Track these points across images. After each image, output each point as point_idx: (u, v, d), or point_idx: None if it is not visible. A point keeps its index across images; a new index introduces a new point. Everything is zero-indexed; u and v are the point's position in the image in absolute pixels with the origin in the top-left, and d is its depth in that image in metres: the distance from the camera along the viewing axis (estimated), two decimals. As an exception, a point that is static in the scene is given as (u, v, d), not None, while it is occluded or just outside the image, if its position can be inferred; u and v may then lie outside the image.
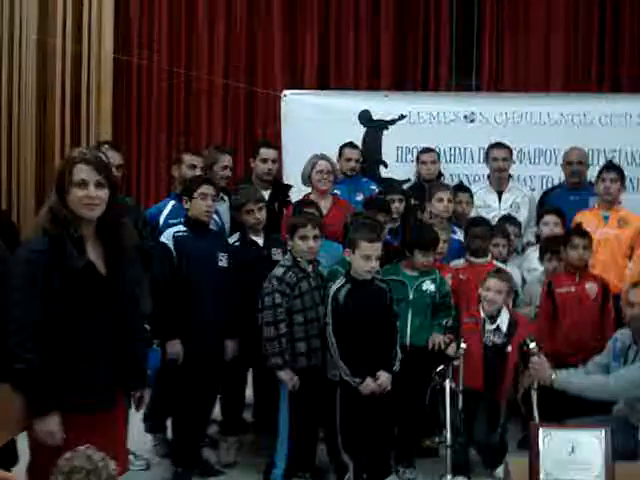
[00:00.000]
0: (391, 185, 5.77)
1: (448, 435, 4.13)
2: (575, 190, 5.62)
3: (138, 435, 4.49)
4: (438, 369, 4.25)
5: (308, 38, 7.02)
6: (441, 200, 5.00)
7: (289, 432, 4.12)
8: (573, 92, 6.61)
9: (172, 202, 4.79)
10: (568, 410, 4.08)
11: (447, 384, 4.19)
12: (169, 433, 4.56)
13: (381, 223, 4.54)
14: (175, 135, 7.13)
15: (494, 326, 4.34)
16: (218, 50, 7.08)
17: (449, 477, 4.01)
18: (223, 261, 4.26)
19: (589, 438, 3.04)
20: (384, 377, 4.01)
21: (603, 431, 3.04)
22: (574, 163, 5.62)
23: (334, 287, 4.05)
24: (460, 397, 4.17)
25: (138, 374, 2.98)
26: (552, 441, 3.04)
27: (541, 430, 3.06)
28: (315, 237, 4.12)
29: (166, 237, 4.19)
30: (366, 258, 3.98)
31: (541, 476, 2.99)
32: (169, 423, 4.55)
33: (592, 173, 5.62)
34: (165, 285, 4.04)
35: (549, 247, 4.84)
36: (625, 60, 6.87)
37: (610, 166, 5.32)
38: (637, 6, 6.84)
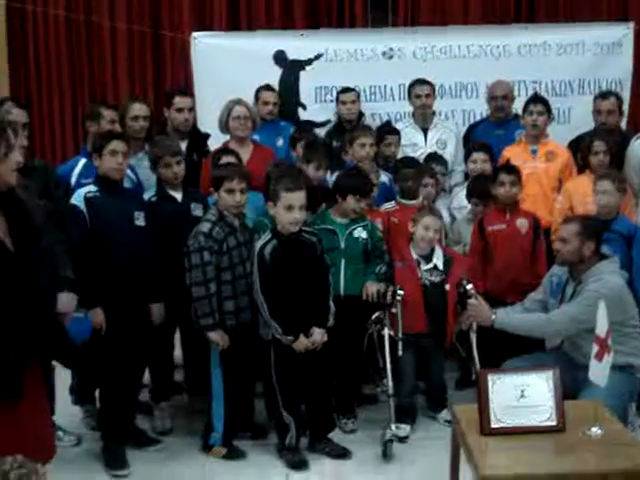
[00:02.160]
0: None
1: (389, 383, 4.05)
2: (500, 124, 5.54)
3: (65, 408, 4.31)
4: (374, 316, 4.15)
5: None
6: (363, 145, 4.81)
7: (224, 393, 3.99)
8: (491, 24, 6.48)
9: (83, 160, 4.44)
10: (504, 349, 4.06)
11: (386, 332, 4.09)
12: (98, 404, 4.35)
13: (301, 172, 4.35)
14: (79, 87, 6.73)
15: (430, 265, 4.23)
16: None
17: (393, 427, 3.93)
18: (140, 220, 4.00)
19: (537, 381, 3.00)
20: (318, 334, 3.89)
21: (551, 372, 3.00)
22: (499, 98, 5.53)
23: (260, 243, 3.86)
24: (400, 344, 4.07)
25: (61, 348, 2.74)
26: (500, 387, 3.00)
27: (489, 376, 3.00)
28: (242, 190, 3.94)
29: (77, 198, 3.89)
30: (288, 208, 3.80)
31: (492, 423, 2.94)
32: (98, 393, 4.34)
33: (515, 105, 5.56)
34: (80, 250, 3.75)
35: (475, 190, 4.75)
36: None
37: (536, 98, 5.21)
38: None
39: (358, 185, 4.28)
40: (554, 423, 2.95)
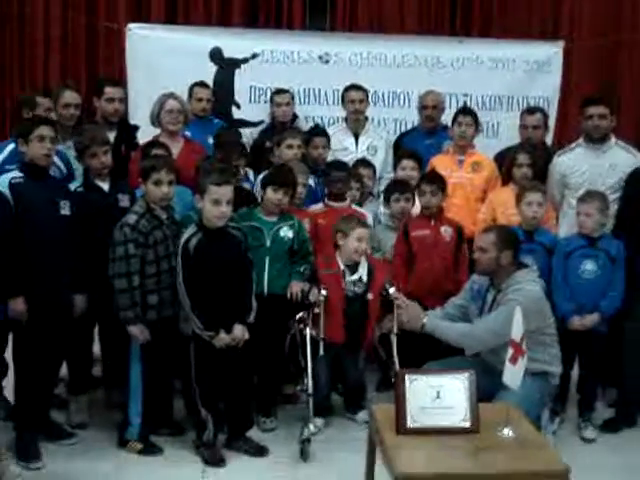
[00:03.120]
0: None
1: (309, 383, 4.07)
2: (430, 134, 5.64)
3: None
4: (297, 316, 4.17)
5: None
6: (290, 147, 4.85)
7: (142, 387, 3.94)
8: (427, 34, 6.62)
9: (12, 145, 4.32)
10: (425, 353, 4.12)
11: (308, 332, 4.11)
12: (6, 393, 4.27)
13: (231, 166, 4.35)
14: (8, 74, 6.55)
15: (356, 277, 4.25)
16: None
17: (311, 426, 3.95)
18: (65, 209, 3.91)
19: (453, 383, 3.06)
20: (238, 330, 3.86)
21: (467, 375, 3.06)
22: (429, 107, 5.64)
23: (185, 236, 3.83)
24: (321, 344, 4.10)
25: None
26: (417, 387, 3.04)
27: (407, 376, 3.05)
28: (170, 182, 3.90)
29: (1, 184, 3.78)
30: (215, 202, 3.78)
31: (407, 422, 2.98)
32: (6, 383, 4.28)
33: (445, 117, 5.66)
34: (3, 237, 3.65)
35: (395, 189, 4.81)
36: (476, 3, 6.93)
37: (465, 110, 5.34)
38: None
39: (276, 176, 4.31)
40: (468, 424, 3.00)
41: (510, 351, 2.96)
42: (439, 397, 3.03)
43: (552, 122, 6.13)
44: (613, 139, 4.80)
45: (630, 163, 4.60)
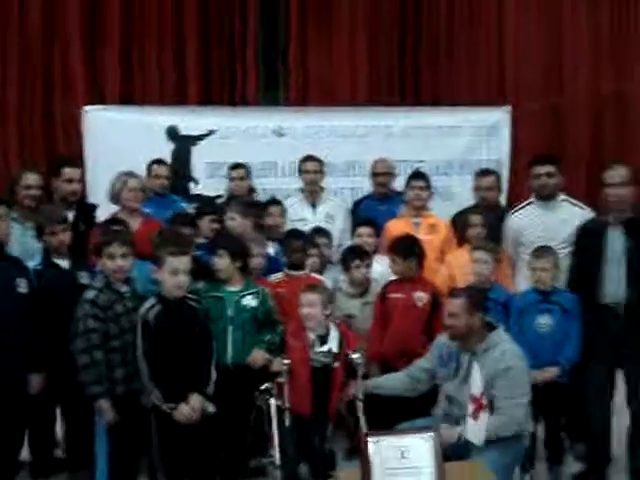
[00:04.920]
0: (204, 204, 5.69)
1: (276, 454, 4.02)
2: (383, 200, 5.76)
3: None
4: (261, 387, 4.14)
5: (110, 51, 6.79)
6: (233, 219, 4.95)
7: (108, 466, 3.84)
8: (378, 105, 6.80)
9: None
10: (393, 417, 4.11)
11: (273, 402, 4.08)
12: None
13: (187, 237, 4.41)
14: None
15: (325, 348, 4.21)
16: (11, 64, 6.63)
17: (280, 498, 3.89)
18: (22, 287, 3.93)
19: (417, 442, 3.06)
20: (195, 400, 3.81)
21: (431, 434, 3.07)
22: (380, 174, 5.78)
23: (144, 308, 3.83)
24: (287, 414, 4.07)
25: None
26: (382, 448, 3.04)
27: (370, 438, 3.05)
28: (124, 255, 3.90)
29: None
30: (173, 272, 3.81)
31: (373, 485, 2.97)
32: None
33: (398, 183, 5.79)
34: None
35: (355, 256, 4.82)
36: (424, 73, 7.16)
37: (418, 174, 5.50)
38: (435, 24, 7.18)
39: (224, 242, 4.38)
40: (434, 483, 3.00)
41: (471, 407, 2.99)
42: (404, 457, 3.03)
43: (505, 183, 6.33)
44: (562, 195, 4.95)
45: (579, 217, 4.72)
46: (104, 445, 3.84)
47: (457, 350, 3.96)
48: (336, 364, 4.20)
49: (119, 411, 3.81)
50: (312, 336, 4.22)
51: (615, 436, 4.52)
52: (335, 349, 4.21)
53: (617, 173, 4.34)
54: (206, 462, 3.95)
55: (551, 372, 4.28)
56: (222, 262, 4.33)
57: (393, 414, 4.14)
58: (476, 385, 2.96)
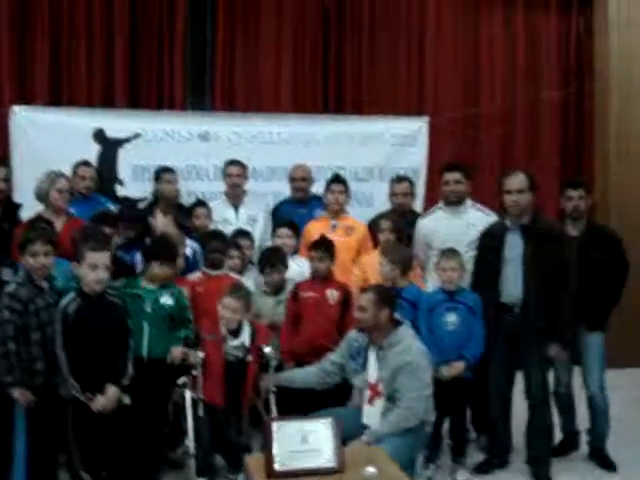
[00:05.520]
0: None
1: (191, 444, 4.18)
2: (302, 203, 5.97)
3: None
4: (179, 381, 4.30)
5: (38, 52, 6.78)
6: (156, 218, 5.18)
7: (26, 456, 3.93)
8: (302, 112, 7.00)
9: None
10: (307, 406, 4.29)
11: (187, 394, 4.24)
12: None
13: (106, 234, 4.55)
14: None
15: (237, 342, 4.41)
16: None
17: (194, 486, 4.05)
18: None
19: (318, 427, 3.27)
20: (111, 391, 3.95)
21: (329, 419, 3.28)
22: (298, 179, 6.00)
23: (64, 302, 3.95)
24: (201, 405, 4.24)
25: None
26: (285, 433, 3.23)
27: (274, 424, 3.25)
28: (47, 253, 4.00)
29: None
30: (93, 267, 3.95)
31: (276, 466, 3.17)
32: None
33: (318, 188, 5.99)
34: None
35: (271, 258, 5.03)
36: (347, 82, 7.40)
37: (337, 179, 5.75)
38: (358, 36, 7.42)
39: (160, 251, 4.52)
40: (334, 465, 3.21)
41: (367, 393, 3.21)
42: (306, 441, 3.24)
43: (421, 190, 6.61)
44: (469, 201, 5.24)
45: (484, 222, 4.99)
46: (23, 434, 3.91)
47: (365, 346, 4.21)
48: (249, 357, 4.39)
49: (39, 403, 3.89)
50: (223, 331, 4.41)
51: (515, 427, 4.83)
52: (247, 342, 4.41)
53: (515, 180, 4.62)
54: (122, 454, 4.06)
55: (457, 367, 4.52)
56: (157, 268, 4.47)
57: (306, 407, 4.35)
58: (372, 373, 3.17)
